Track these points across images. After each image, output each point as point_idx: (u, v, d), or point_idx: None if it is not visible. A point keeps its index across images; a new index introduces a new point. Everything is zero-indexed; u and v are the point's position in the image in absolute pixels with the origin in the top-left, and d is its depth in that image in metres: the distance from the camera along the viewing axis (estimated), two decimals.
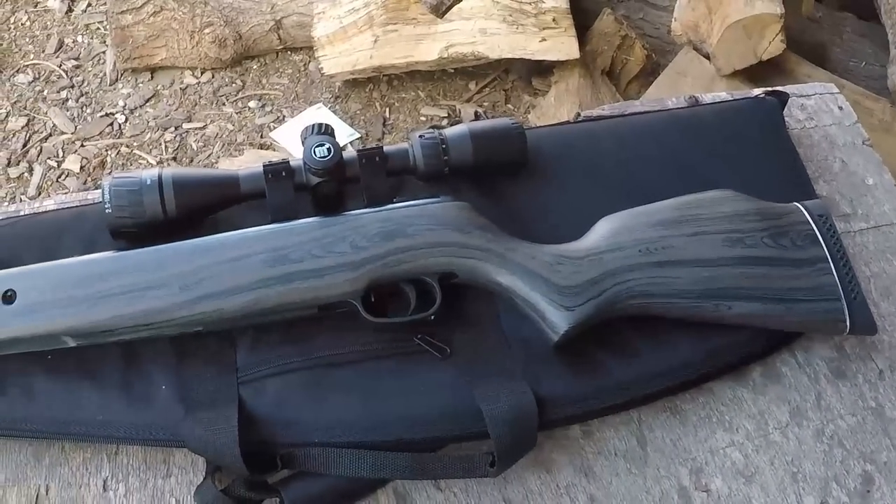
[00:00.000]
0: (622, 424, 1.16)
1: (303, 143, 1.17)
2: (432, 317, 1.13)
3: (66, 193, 3.18)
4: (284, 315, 1.12)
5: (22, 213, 1.31)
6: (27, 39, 3.99)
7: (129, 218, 1.13)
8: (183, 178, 1.16)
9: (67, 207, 1.31)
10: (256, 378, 1.12)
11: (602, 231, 1.17)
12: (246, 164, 3.18)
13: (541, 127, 1.42)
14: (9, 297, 1.08)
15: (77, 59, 3.89)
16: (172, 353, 1.14)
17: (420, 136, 1.21)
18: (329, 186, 1.16)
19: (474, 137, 1.21)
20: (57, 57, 3.90)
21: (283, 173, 1.16)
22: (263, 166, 1.16)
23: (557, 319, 1.10)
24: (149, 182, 1.14)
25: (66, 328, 1.08)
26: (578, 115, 1.43)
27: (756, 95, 1.45)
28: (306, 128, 1.18)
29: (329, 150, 1.14)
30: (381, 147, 1.19)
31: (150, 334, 1.10)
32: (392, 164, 1.19)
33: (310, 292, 1.10)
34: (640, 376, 1.15)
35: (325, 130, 1.17)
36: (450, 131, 1.22)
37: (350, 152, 1.18)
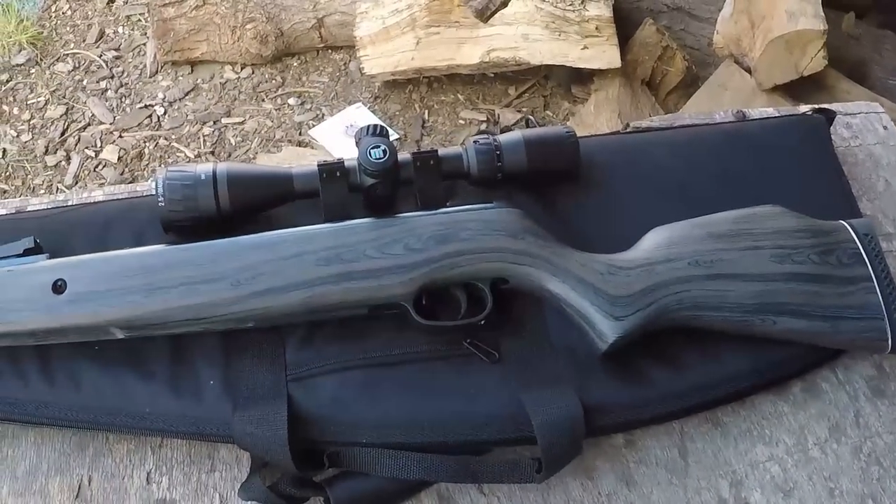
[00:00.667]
0: (664, 434, 1.17)
1: (357, 144, 1.17)
2: (482, 322, 1.13)
3: (102, 184, 3.21)
4: (335, 314, 1.13)
5: (70, 202, 1.31)
6: (68, 28, 4.02)
7: (182, 212, 1.14)
8: (237, 174, 1.16)
9: (117, 199, 1.32)
10: (305, 376, 1.12)
11: (653, 241, 1.17)
12: (284, 161, 3.20)
13: (592, 136, 1.42)
14: (59, 287, 1.08)
15: (117, 49, 3.92)
16: (220, 348, 1.14)
17: (475, 142, 1.21)
18: (383, 188, 1.16)
19: (528, 144, 1.21)
20: (97, 47, 3.93)
21: (338, 173, 1.16)
22: (318, 165, 1.17)
23: (606, 329, 1.11)
24: (203, 177, 1.14)
25: (115, 319, 1.08)
26: (627, 125, 1.43)
27: (803, 112, 1.45)
28: (361, 129, 1.18)
29: (384, 151, 1.15)
30: (436, 150, 1.19)
31: (200, 328, 1.11)
32: (446, 167, 1.19)
33: (362, 293, 1.10)
34: (684, 388, 1.15)
35: (381, 132, 1.18)
36: (504, 137, 1.22)
37: (404, 155, 1.18)
